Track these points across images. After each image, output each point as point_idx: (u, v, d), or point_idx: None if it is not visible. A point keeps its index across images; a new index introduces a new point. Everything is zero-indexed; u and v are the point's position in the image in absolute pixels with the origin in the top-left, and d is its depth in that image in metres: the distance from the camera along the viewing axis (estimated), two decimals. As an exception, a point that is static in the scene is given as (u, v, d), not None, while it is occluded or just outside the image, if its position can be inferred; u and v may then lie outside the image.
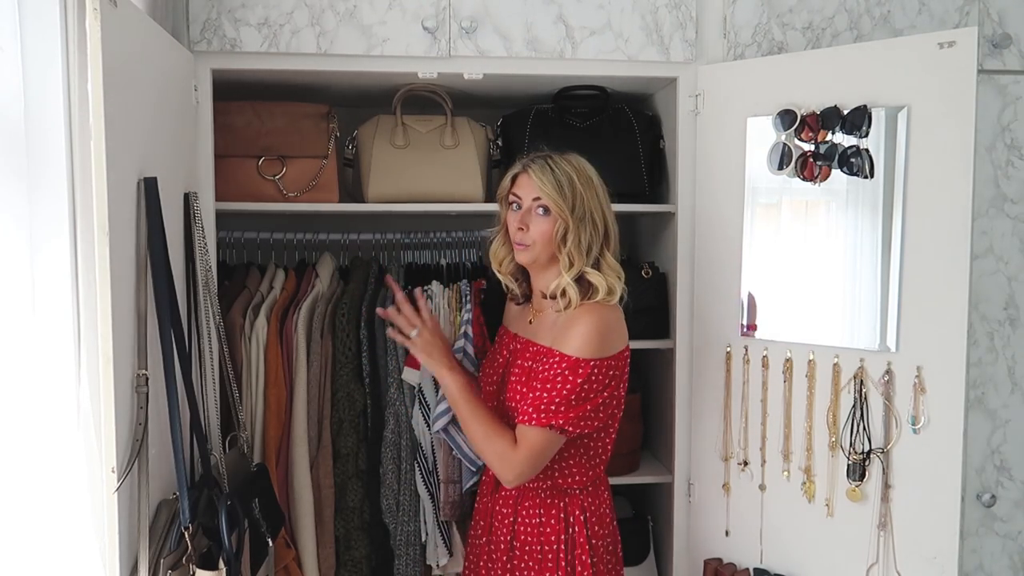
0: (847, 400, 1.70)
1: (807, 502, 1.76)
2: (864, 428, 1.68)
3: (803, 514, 1.77)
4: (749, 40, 1.88)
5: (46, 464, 1.34)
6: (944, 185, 1.58)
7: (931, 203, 1.60)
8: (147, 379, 1.34)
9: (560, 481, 1.56)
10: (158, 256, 1.38)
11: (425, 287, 1.92)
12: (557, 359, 1.48)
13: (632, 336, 1.60)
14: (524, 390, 1.51)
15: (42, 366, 1.34)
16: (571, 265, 1.50)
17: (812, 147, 1.72)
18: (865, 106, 1.65)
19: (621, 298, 1.55)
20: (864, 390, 1.68)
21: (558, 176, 1.50)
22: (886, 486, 1.67)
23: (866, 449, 1.68)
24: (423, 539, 1.88)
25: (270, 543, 1.67)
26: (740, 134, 1.82)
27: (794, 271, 1.79)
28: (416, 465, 1.87)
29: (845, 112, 1.67)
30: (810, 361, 1.75)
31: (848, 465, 1.70)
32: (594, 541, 1.55)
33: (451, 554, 1.88)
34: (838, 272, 1.74)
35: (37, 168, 1.32)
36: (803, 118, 1.73)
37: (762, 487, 1.83)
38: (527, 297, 1.67)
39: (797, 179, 1.75)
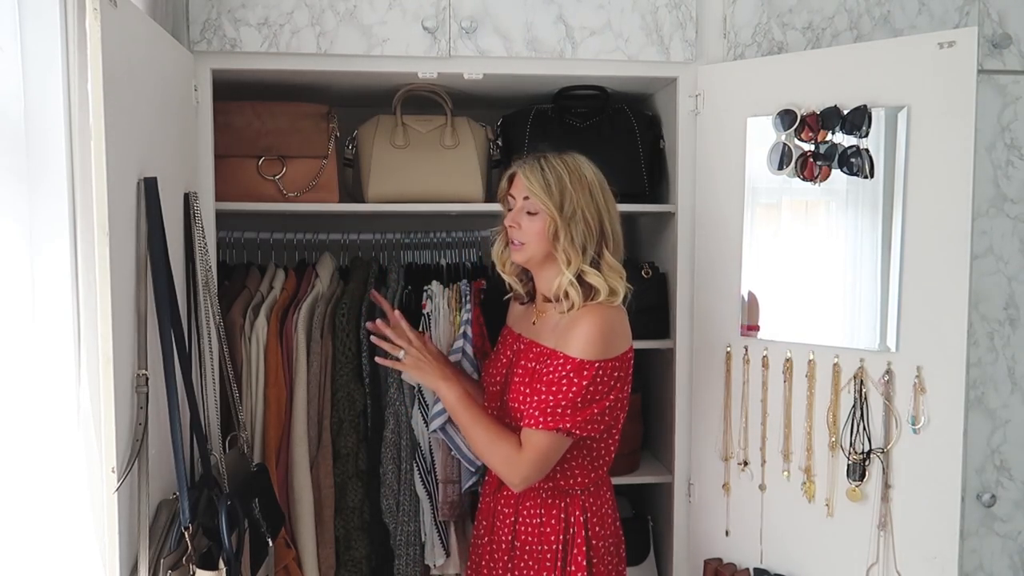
0: (847, 400, 1.70)
1: (807, 502, 1.76)
2: (864, 428, 1.68)
3: (803, 514, 1.77)
4: (749, 40, 1.88)
5: (46, 464, 1.34)
6: (944, 185, 1.58)
7: (931, 203, 1.60)
8: (147, 379, 1.34)
9: (562, 482, 1.55)
10: (158, 256, 1.38)
11: (425, 287, 1.92)
12: (561, 361, 1.48)
13: (633, 336, 1.59)
14: (528, 391, 1.51)
15: (42, 366, 1.34)
16: (569, 263, 1.50)
17: (812, 147, 1.72)
18: (865, 106, 1.65)
19: (625, 298, 1.54)
20: (864, 390, 1.68)
21: (547, 175, 1.50)
22: (886, 486, 1.67)
23: (866, 449, 1.68)
24: (423, 539, 1.88)
25: (270, 543, 1.67)
26: (740, 134, 1.82)
27: (794, 271, 1.79)
28: (415, 465, 1.87)
29: (845, 112, 1.67)
30: (810, 361, 1.75)
31: (848, 465, 1.70)
32: (593, 542, 1.55)
33: (448, 554, 1.88)
34: (838, 272, 1.74)
35: (37, 168, 1.32)
36: (803, 118, 1.73)
37: (762, 487, 1.83)
38: (531, 297, 1.67)
39: (797, 179, 1.75)
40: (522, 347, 1.61)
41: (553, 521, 1.56)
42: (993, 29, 1.93)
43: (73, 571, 1.36)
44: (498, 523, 1.63)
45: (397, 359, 1.65)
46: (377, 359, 1.70)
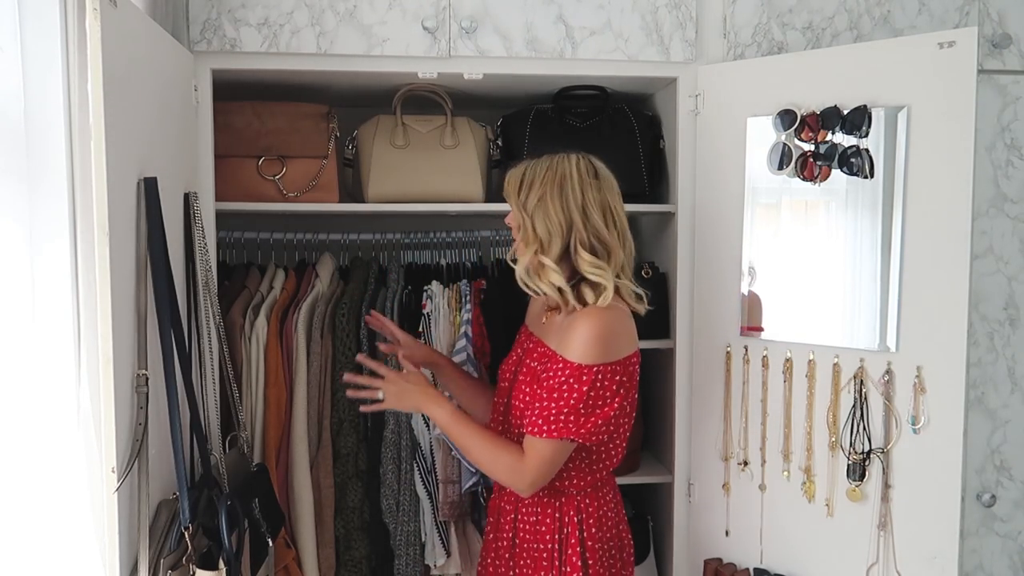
0: (847, 400, 1.70)
1: (807, 502, 1.76)
2: (864, 428, 1.68)
3: (803, 514, 1.77)
4: (749, 40, 1.88)
5: (46, 464, 1.34)
6: (944, 185, 1.58)
7: (931, 203, 1.60)
8: (147, 379, 1.34)
9: (557, 483, 1.55)
10: (158, 256, 1.38)
11: (425, 287, 1.92)
12: (561, 366, 1.46)
13: (634, 337, 1.59)
14: (529, 392, 1.51)
15: (42, 366, 1.34)
16: (524, 252, 1.49)
17: (812, 147, 1.72)
18: (865, 106, 1.65)
19: (640, 297, 1.53)
20: (864, 390, 1.68)
21: (525, 173, 1.51)
22: (886, 486, 1.67)
23: (866, 449, 1.68)
24: (423, 539, 1.88)
25: (270, 543, 1.67)
26: (740, 134, 1.82)
27: (794, 271, 1.79)
28: (415, 465, 1.87)
29: (845, 112, 1.67)
30: (810, 361, 1.75)
31: (848, 465, 1.70)
32: (588, 543, 1.54)
33: (449, 554, 1.88)
34: (838, 272, 1.74)
35: (37, 168, 1.32)
36: (803, 118, 1.73)
37: (762, 487, 1.83)
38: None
39: (797, 179, 1.75)
40: (530, 346, 1.61)
41: (548, 520, 1.56)
42: (993, 29, 1.94)
43: (73, 571, 1.36)
44: (502, 520, 1.63)
45: (379, 400, 1.60)
46: (361, 408, 1.64)
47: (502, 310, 1.90)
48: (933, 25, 1.90)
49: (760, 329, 1.82)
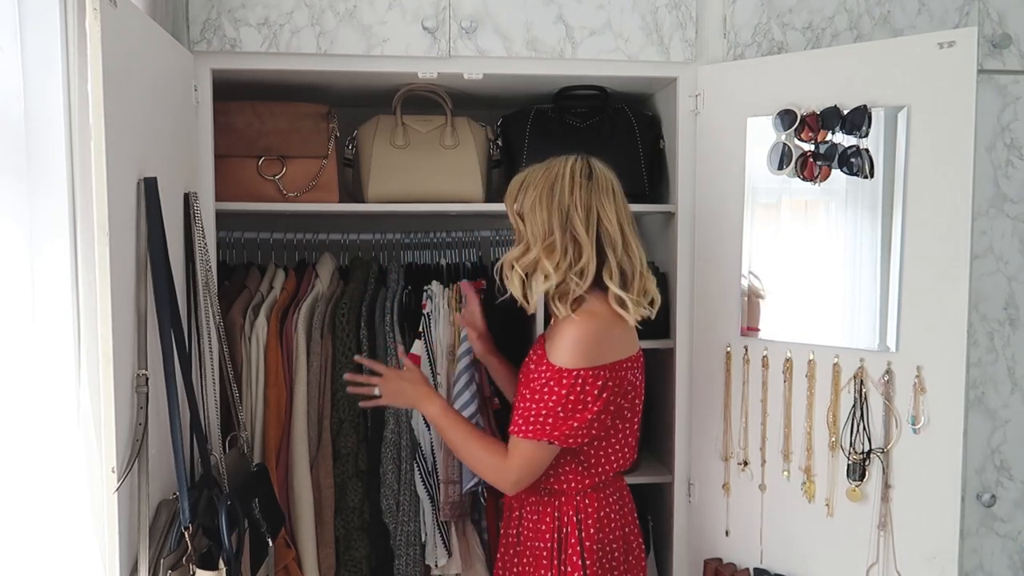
0: (847, 400, 1.70)
1: (807, 502, 1.76)
2: (864, 428, 1.68)
3: (803, 514, 1.77)
4: (749, 40, 1.88)
5: (46, 464, 1.34)
6: (944, 185, 1.58)
7: (931, 203, 1.60)
8: (147, 379, 1.34)
9: (554, 484, 1.55)
10: (158, 256, 1.38)
11: (425, 287, 1.92)
12: (545, 367, 1.48)
13: (633, 337, 1.59)
14: (521, 390, 1.52)
15: (42, 366, 1.34)
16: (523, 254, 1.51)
17: (812, 147, 1.72)
18: (865, 106, 1.65)
19: (652, 301, 1.52)
20: (864, 390, 1.68)
21: (527, 177, 1.53)
22: (886, 486, 1.67)
23: (866, 449, 1.68)
24: (423, 539, 1.88)
25: (270, 543, 1.67)
26: (740, 134, 1.82)
27: (794, 271, 1.79)
28: (415, 465, 1.87)
29: (845, 112, 1.67)
30: (810, 361, 1.75)
31: (848, 465, 1.70)
32: (587, 544, 1.54)
33: (450, 554, 1.88)
34: (838, 272, 1.74)
35: (37, 168, 1.32)
36: (803, 118, 1.73)
37: (762, 487, 1.83)
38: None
39: (797, 179, 1.75)
40: (538, 346, 1.62)
41: (548, 520, 1.57)
42: (993, 29, 1.94)
43: (73, 571, 1.36)
44: (510, 517, 1.65)
45: (376, 396, 1.66)
46: (360, 404, 1.73)
47: (502, 310, 1.90)
48: (933, 25, 1.90)
49: (756, 329, 1.82)
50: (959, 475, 1.60)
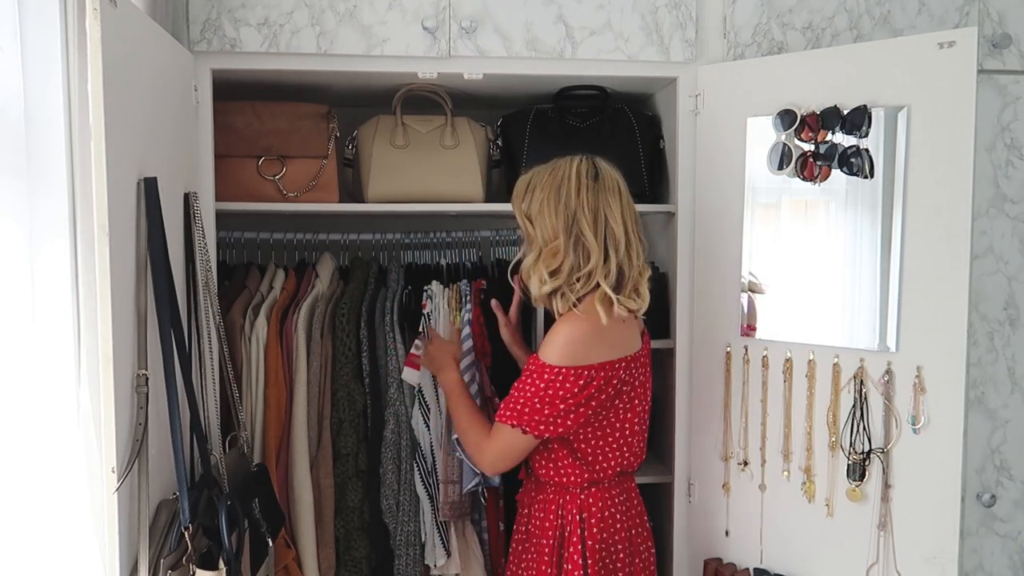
0: (847, 400, 1.70)
1: (807, 502, 1.76)
2: (864, 428, 1.68)
3: (803, 514, 1.77)
4: (749, 40, 1.88)
5: (46, 464, 1.34)
6: (944, 185, 1.58)
7: (931, 203, 1.60)
8: (147, 379, 1.34)
9: (557, 478, 1.58)
10: (158, 256, 1.38)
11: (425, 287, 1.92)
12: (532, 359, 1.53)
13: (632, 336, 1.59)
14: (516, 382, 1.56)
15: (42, 366, 1.34)
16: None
17: (812, 147, 1.72)
18: (865, 106, 1.65)
19: (610, 302, 1.52)
20: (864, 390, 1.68)
21: (532, 178, 1.56)
22: (886, 486, 1.67)
23: (866, 449, 1.68)
24: (423, 539, 1.88)
25: (270, 543, 1.67)
26: (740, 134, 1.82)
27: (794, 271, 1.79)
28: (415, 465, 1.87)
29: (845, 112, 1.67)
30: (810, 361, 1.75)
31: (848, 465, 1.70)
32: (589, 542, 1.55)
33: (449, 554, 1.88)
34: (838, 272, 1.74)
35: (37, 168, 1.32)
36: (803, 118, 1.73)
37: (762, 487, 1.83)
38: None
39: (797, 179, 1.75)
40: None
41: (552, 516, 1.59)
42: (993, 29, 1.94)
43: (73, 571, 1.36)
44: (521, 513, 1.69)
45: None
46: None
47: (502, 310, 1.90)
48: (933, 25, 1.90)
49: (754, 329, 1.82)
50: (959, 475, 1.60)
